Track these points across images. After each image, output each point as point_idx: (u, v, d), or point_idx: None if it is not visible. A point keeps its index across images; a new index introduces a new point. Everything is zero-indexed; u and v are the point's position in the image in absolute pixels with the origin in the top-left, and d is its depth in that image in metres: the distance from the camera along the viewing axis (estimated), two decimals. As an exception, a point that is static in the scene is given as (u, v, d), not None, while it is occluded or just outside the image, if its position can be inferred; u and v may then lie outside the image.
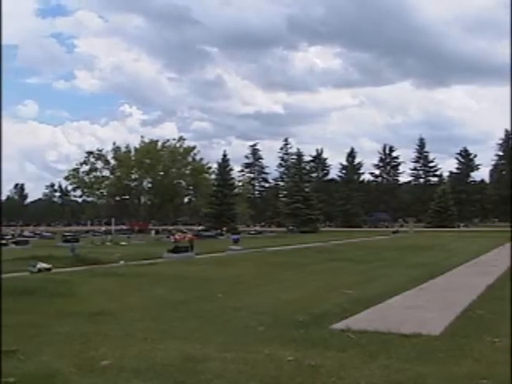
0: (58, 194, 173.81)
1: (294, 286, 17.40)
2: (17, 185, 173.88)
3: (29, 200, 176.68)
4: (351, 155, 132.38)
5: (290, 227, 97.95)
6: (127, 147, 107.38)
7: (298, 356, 7.65)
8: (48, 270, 21.66)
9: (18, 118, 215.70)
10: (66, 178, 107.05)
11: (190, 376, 6.72)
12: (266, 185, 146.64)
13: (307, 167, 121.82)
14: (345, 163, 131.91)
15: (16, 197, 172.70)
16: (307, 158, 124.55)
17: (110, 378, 6.64)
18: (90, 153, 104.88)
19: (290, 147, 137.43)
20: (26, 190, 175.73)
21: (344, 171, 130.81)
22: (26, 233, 75.39)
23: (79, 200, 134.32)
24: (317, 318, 11.04)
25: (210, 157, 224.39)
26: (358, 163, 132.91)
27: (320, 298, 14.39)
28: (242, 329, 10.20)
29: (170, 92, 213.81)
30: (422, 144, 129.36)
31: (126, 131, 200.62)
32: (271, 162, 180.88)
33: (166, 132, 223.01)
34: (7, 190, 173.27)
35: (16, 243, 47.00)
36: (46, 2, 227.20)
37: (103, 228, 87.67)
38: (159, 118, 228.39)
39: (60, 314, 11.69)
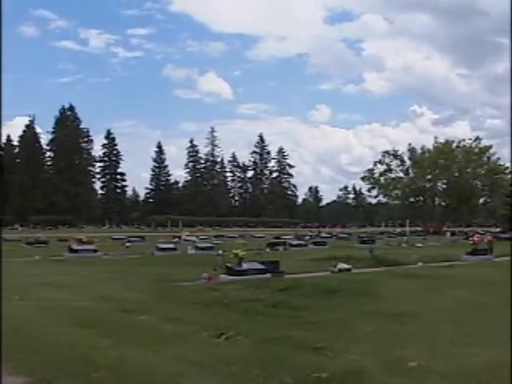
0: (351, 195, 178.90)
1: None
2: (311, 187, 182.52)
3: (323, 202, 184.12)
4: None
5: None
6: (422, 148, 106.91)
7: None
8: (348, 270, 22.31)
9: (312, 122, 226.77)
10: (362, 179, 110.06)
11: (500, 384, 6.44)
12: None
13: None
14: None
15: (311, 199, 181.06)
16: None
17: (418, 379, 6.64)
18: (385, 152, 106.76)
19: None
20: (321, 193, 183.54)
21: None
22: (323, 234, 78.44)
23: (372, 201, 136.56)
24: None
25: (505, 155, 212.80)
26: None
27: None
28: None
29: (461, 89, 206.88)
30: None
31: (416, 132, 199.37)
32: None
33: (458, 131, 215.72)
34: (303, 192, 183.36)
35: (314, 244, 49.41)
36: (333, 9, 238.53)
37: (398, 229, 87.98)
38: (451, 116, 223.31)
39: (363, 312, 12.00)
